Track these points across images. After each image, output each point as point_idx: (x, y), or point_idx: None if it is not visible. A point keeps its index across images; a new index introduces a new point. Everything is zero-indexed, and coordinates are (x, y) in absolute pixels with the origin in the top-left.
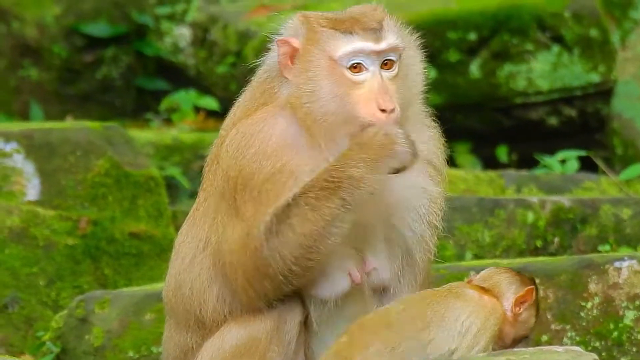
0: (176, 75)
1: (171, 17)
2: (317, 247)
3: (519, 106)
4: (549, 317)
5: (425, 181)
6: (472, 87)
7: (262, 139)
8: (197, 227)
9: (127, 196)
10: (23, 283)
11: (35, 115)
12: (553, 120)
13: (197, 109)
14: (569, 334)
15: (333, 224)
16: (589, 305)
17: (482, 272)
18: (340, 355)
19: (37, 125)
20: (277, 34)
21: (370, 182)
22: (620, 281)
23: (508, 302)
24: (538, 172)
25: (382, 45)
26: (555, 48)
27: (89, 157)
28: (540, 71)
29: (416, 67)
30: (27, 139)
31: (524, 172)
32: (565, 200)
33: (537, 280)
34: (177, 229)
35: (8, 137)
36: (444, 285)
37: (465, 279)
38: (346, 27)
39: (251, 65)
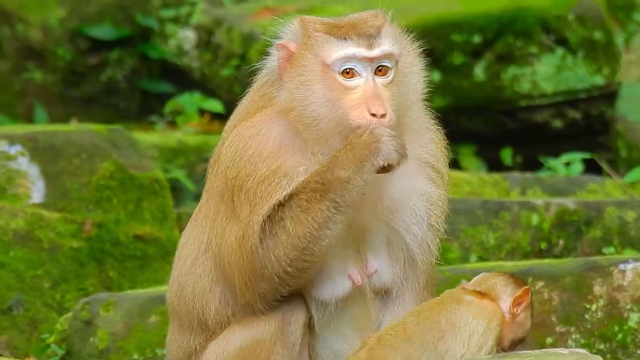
0: (181, 78)
1: (176, 20)
2: (311, 248)
3: (523, 109)
4: (553, 319)
5: (425, 184)
6: (476, 89)
7: (259, 141)
8: (199, 229)
9: (131, 199)
10: (28, 285)
11: (39, 117)
12: (557, 123)
13: (201, 112)
14: (573, 336)
15: (326, 225)
16: (594, 307)
17: (475, 278)
18: None
19: (42, 128)
20: (277, 38)
21: (358, 182)
22: (624, 283)
23: (505, 304)
24: (542, 174)
25: (375, 52)
26: (560, 51)
27: (94, 160)
28: (545, 74)
29: (415, 75)
30: (32, 141)
31: (528, 175)
32: (569, 202)
33: (542, 283)
34: (182, 231)
35: (13, 140)
36: (443, 294)
37: (458, 286)
38: (341, 33)
39: (252, 69)
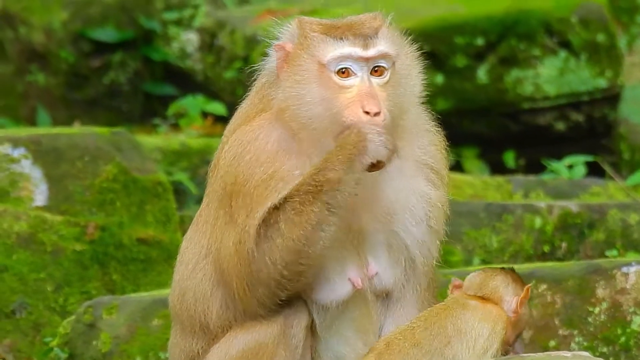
0: (184, 81)
1: (179, 23)
2: (306, 251)
3: (526, 111)
4: (556, 322)
5: (424, 185)
6: (479, 92)
7: (258, 146)
8: (199, 233)
9: (134, 201)
10: (31, 289)
11: (42, 120)
12: (560, 126)
13: (204, 114)
14: (576, 339)
15: (319, 227)
16: (597, 310)
17: (472, 279)
18: None
19: (45, 130)
20: (275, 39)
21: (349, 182)
22: (627, 286)
23: (509, 305)
24: (545, 177)
25: (371, 52)
26: (563, 53)
27: (97, 163)
28: (548, 76)
29: (412, 77)
30: (35, 144)
31: (531, 177)
32: (572, 205)
33: (545, 286)
34: (185, 234)
35: (16, 143)
36: (447, 299)
37: (450, 285)
38: (337, 33)
39: (252, 70)
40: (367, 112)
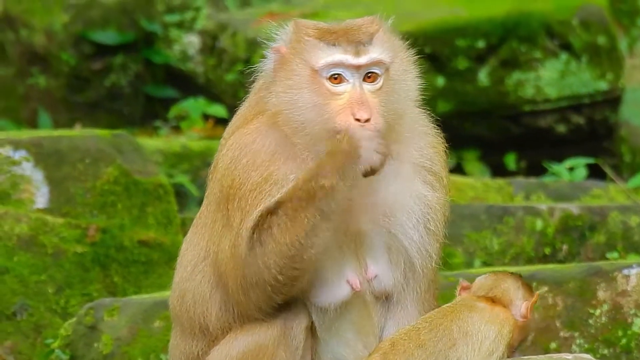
0: (185, 83)
1: (180, 25)
2: (300, 256)
3: (527, 114)
4: (557, 324)
5: (422, 187)
6: (480, 94)
7: (255, 150)
8: (198, 235)
9: (136, 204)
10: (32, 291)
11: (43, 123)
12: (561, 128)
13: (205, 117)
14: (577, 341)
15: (313, 233)
16: (598, 312)
17: (482, 281)
18: None
19: (46, 133)
20: (273, 41)
21: (342, 189)
22: (628, 288)
23: (519, 309)
24: (546, 179)
25: (362, 60)
26: (564, 56)
27: (98, 165)
28: (549, 79)
29: (408, 82)
30: (36, 146)
31: (532, 180)
32: (573, 207)
33: (546, 288)
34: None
35: (17, 145)
36: (455, 300)
37: (458, 287)
38: (331, 39)
39: (252, 71)
40: (357, 120)
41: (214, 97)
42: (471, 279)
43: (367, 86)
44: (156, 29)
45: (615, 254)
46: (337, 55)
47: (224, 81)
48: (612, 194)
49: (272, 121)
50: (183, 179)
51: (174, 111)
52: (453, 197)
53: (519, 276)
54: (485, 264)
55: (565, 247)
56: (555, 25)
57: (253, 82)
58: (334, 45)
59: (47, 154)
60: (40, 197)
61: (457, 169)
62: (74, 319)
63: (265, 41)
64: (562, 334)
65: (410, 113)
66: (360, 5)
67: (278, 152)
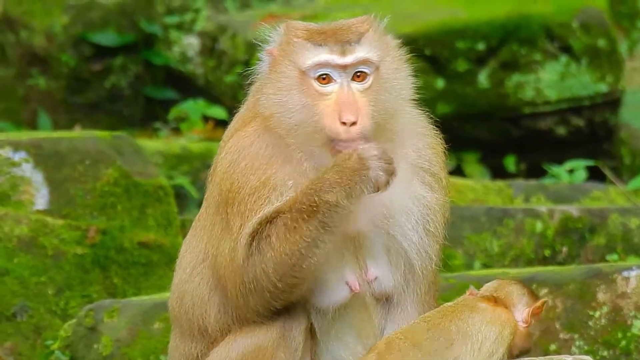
0: (185, 85)
1: (180, 27)
2: (299, 265)
3: (527, 116)
4: (557, 326)
5: (420, 188)
6: (480, 97)
7: (252, 153)
8: (197, 238)
9: (136, 205)
10: (32, 292)
11: (43, 124)
12: (561, 130)
13: (205, 119)
14: (577, 343)
15: (314, 244)
16: (597, 314)
17: (489, 284)
18: None
19: (46, 134)
20: (267, 43)
21: (346, 206)
22: (628, 290)
23: (520, 313)
24: (546, 181)
25: (348, 60)
26: (564, 58)
27: (98, 167)
28: (549, 81)
29: (399, 80)
30: (36, 148)
31: (532, 182)
32: (573, 209)
33: (546, 290)
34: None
35: (17, 147)
36: (456, 300)
37: (467, 291)
38: (318, 39)
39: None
40: (343, 123)
41: (213, 98)
42: (471, 281)
43: (356, 85)
44: (156, 30)
45: (615, 256)
46: (324, 55)
47: (224, 83)
48: (612, 196)
49: (268, 123)
50: (183, 180)
51: (173, 113)
52: (453, 199)
53: (527, 285)
54: (485, 266)
55: (565, 249)
56: (555, 27)
57: (251, 84)
58: (320, 45)
59: (47, 156)
60: (40, 198)
61: (457, 171)
62: (74, 321)
63: (260, 44)
64: (561, 335)
65: (404, 112)
66: (360, 7)
67: (275, 155)
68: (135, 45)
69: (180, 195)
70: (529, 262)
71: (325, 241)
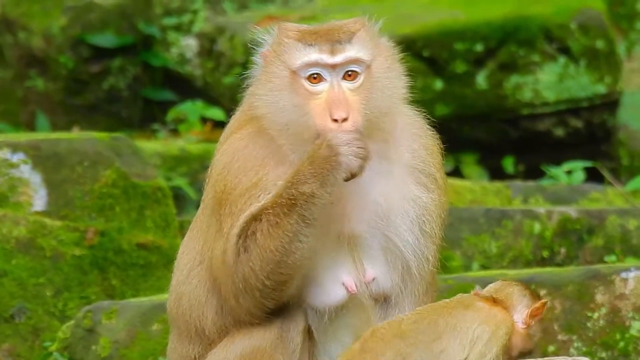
0: (183, 86)
1: (178, 28)
2: (284, 261)
3: (525, 117)
4: (555, 327)
5: (416, 189)
6: (479, 98)
7: (247, 154)
8: (194, 239)
9: (134, 207)
10: (30, 293)
11: (41, 125)
12: (559, 131)
13: (203, 120)
14: (575, 344)
15: (296, 238)
16: (596, 315)
17: (491, 285)
18: None
19: (44, 135)
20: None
21: (323, 195)
22: (626, 292)
23: (520, 314)
24: (545, 182)
25: (337, 59)
26: (562, 59)
27: (96, 168)
28: (547, 82)
29: (391, 79)
30: (34, 149)
31: (530, 183)
32: (571, 211)
33: (544, 291)
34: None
35: (15, 148)
36: (453, 297)
37: (472, 292)
38: (309, 39)
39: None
40: (335, 120)
41: (211, 100)
42: (470, 283)
43: (347, 84)
44: (154, 32)
45: (613, 257)
46: (314, 55)
47: (222, 84)
48: (610, 197)
49: (261, 125)
50: (181, 182)
51: (172, 114)
52: (451, 201)
53: (527, 286)
54: (484, 267)
55: (563, 250)
56: (553, 28)
57: (247, 87)
58: (311, 45)
59: (45, 157)
60: (39, 199)
61: (456, 172)
62: (72, 322)
63: (254, 47)
64: (560, 337)
65: (399, 113)
66: (358, 8)
67: (268, 156)
68: (133, 47)
69: (179, 197)
70: (528, 264)
71: (307, 235)
